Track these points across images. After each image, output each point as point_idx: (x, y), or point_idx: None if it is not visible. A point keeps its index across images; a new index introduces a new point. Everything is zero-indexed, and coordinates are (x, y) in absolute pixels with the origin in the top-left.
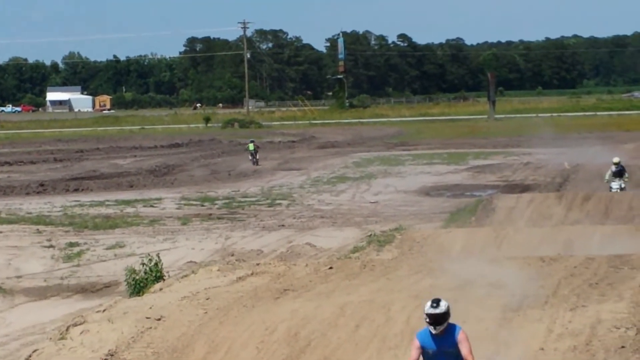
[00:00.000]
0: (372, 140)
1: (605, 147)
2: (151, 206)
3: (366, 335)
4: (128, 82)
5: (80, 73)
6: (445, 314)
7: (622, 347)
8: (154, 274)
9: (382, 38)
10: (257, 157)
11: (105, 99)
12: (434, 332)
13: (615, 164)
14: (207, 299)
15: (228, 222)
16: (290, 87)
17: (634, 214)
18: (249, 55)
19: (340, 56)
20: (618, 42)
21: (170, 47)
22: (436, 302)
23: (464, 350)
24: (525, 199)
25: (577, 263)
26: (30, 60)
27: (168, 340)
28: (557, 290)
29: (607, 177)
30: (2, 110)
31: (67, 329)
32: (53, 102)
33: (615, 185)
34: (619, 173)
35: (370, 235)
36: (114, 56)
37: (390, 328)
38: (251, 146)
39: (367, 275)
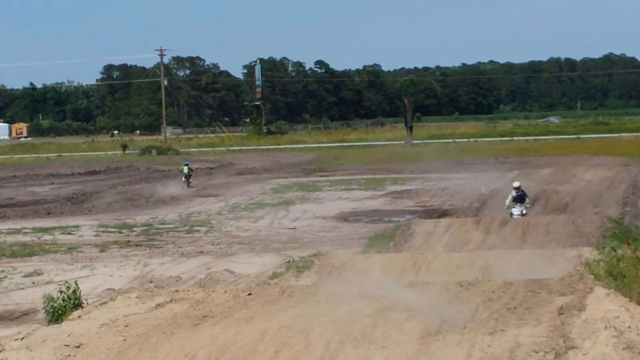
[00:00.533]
0: (290, 167)
1: (522, 172)
2: (69, 233)
3: None
4: (45, 109)
5: None
6: None
7: None
8: (72, 302)
9: (299, 64)
10: (190, 180)
11: (22, 126)
12: None
13: (516, 188)
14: (126, 326)
15: (146, 249)
16: (207, 114)
17: (550, 238)
18: (166, 83)
19: (258, 83)
20: (534, 68)
21: (87, 75)
22: None
23: None
24: (443, 224)
25: (495, 288)
26: None
27: None
28: (476, 315)
29: (507, 202)
30: None
31: None
32: None
33: (516, 211)
34: (520, 198)
35: (289, 261)
36: (31, 84)
37: (310, 354)
38: (185, 169)
39: (286, 301)
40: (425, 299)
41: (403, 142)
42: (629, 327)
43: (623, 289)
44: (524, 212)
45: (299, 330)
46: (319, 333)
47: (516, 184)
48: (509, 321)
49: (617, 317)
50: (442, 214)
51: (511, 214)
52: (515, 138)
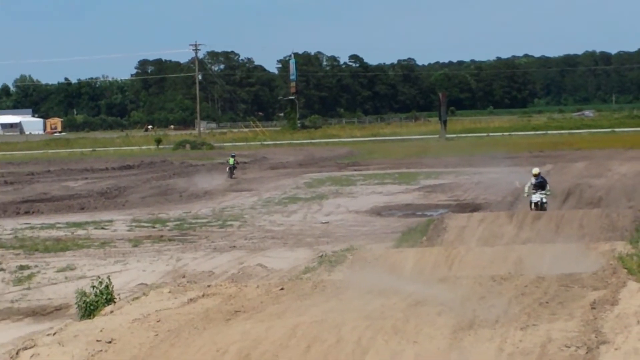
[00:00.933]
0: (324, 161)
1: (557, 166)
2: (102, 228)
3: (317, 356)
4: (79, 104)
5: (31, 96)
6: None
7: None
8: (104, 297)
9: (333, 59)
10: (235, 171)
11: (57, 121)
12: None
13: (535, 175)
14: (158, 321)
15: (179, 244)
16: (242, 109)
17: (584, 232)
18: (200, 77)
19: (292, 77)
20: (569, 62)
21: (122, 70)
22: None
23: None
24: (476, 218)
25: (528, 282)
26: None
27: None
28: (508, 310)
29: (526, 189)
30: None
31: (17, 353)
32: (4, 125)
33: (535, 197)
34: (540, 185)
35: (322, 255)
36: (65, 78)
37: (342, 349)
38: (231, 160)
39: (318, 296)
40: (457, 293)
41: (437, 136)
42: None
43: None
44: (544, 200)
45: (330, 325)
46: (351, 328)
47: (535, 170)
48: (541, 316)
49: None
50: (475, 208)
51: (530, 202)
52: (549, 132)
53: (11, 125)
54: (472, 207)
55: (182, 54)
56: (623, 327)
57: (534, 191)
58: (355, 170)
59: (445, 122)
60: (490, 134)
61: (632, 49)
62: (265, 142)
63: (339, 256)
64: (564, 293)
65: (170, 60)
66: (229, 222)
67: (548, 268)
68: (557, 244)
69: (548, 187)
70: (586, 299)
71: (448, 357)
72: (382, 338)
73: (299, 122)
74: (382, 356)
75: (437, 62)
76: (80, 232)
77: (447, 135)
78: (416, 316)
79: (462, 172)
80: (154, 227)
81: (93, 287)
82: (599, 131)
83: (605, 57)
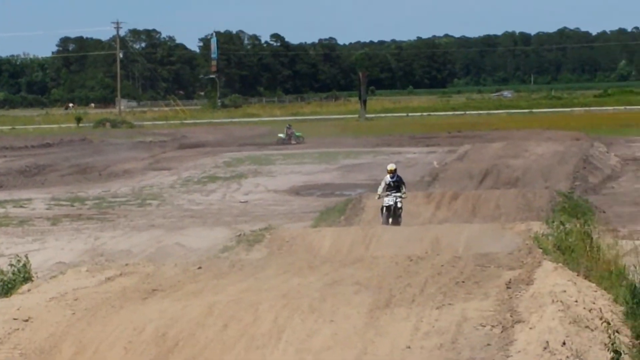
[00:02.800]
0: (243, 140)
1: (475, 146)
2: (21, 207)
3: (234, 334)
4: None
5: None
6: None
7: (488, 344)
8: (22, 275)
9: (255, 37)
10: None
11: None
12: None
13: (390, 172)
14: (76, 300)
15: (98, 223)
16: (163, 87)
17: (500, 212)
18: (121, 55)
19: (213, 56)
20: (488, 42)
21: (43, 47)
22: None
23: None
24: None
25: (444, 262)
26: None
27: (35, 341)
28: (424, 289)
29: (380, 190)
30: None
31: None
32: None
33: (388, 200)
34: (396, 186)
35: (240, 234)
36: None
37: (258, 327)
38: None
39: (235, 275)
40: (374, 272)
41: (357, 116)
42: (576, 301)
43: (571, 263)
44: (399, 203)
45: (247, 304)
46: (268, 307)
47: (391, 166)
48: (457, 295)
49: (564, 291)
50: None
51: (382, 206)
52: (468, 112)
53: None
54: None
55: (103, 32)
56: (538, 307)
57: (388, 193)
58: (275, 149)
59: (365, 102)
60: (410, 114)
61: (551, 29)
62: (186, 121)
63: (257, 235)
64: (479, 273)
65: (91, 38)
66: (148, 201)
67: (464, 248)
68: (474, 224)
69: (405, 188)
70: (502, 279)
71: (364, 336)
72: (299, 317)
73: (219, 101)
74: (299, 335)
75: (358, 42)
76: None
77: (367, 115)
78: (333, 295)
79: (381, 152)
80: (72, 206)
81: (11, 265)
82: (517, 112)
83: (524, 38)
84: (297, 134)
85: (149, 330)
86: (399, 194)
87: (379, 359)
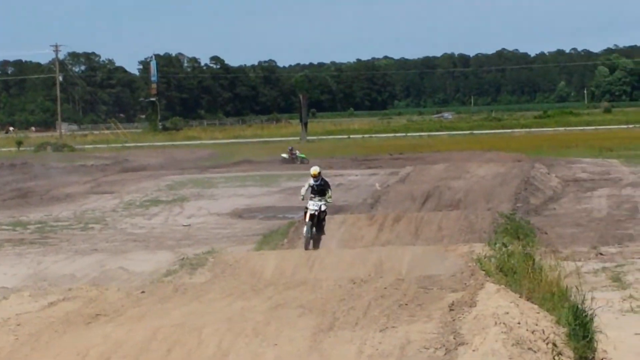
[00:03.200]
0: (185, 163)
1: (417, 168)
2: None
3: (178, 359)
4: None
5: None
6: None
7: None
8: None
9: (194, 60)
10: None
11: None
12: None
13: (314, 176)
14: (18, 325)
15: (40, 247)
16: (103, 110)
17: (443, 234)
18: (61, 78)
19: (153, 79)
20: (427, 64)
21: None
22: None
23: None
24: (336, 220)
25: (387, 284)
26: None
27: None
28: (368, 312)
29: (303, 192)
30: None
31: None
32: None
33: (312, 205)
34: (320, 190)
35: (183, 258)
36: None
37: (203, 351)
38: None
39: (179, 299)
40: (317, 295)
41: (298, 138)
42: (519, 323)
43: (513, 284)
44: (323, 207)
45: (191, 328)
46: (212, 330)
47: (315, 169)
48: (400, 318)
49: (507, 313)
50: (336, 210)
51: (305, 210)
52: (409, 134)
53: None
54: (333, 210)
55: (42, 55)
56: (481, 329)
57: (312, 196)
58: (217, 172)
59: (306, 124)
60: (351, 136)
61: (489, 51)
62: (127, 144)
63: (200, 259)
64: (422, 295)
65: (30, 62)
66: (91, 225)
67: (407, 270)
68: (417, 246)
69: (330, 192)
70: (444, 301)
71: (308, 359)
72: (243, 341)
73: (160, 124)
74: (243, 358)
75: (298, 64)
76: None
77: (308, 137)
78: (277, 318)
79: (323, 175)
80: (14, 230)
81: None
82: (458, 133)
83: (463, 59)
84: (301, 155)
85: (92, 356)
86: (323, 198)
87: None
